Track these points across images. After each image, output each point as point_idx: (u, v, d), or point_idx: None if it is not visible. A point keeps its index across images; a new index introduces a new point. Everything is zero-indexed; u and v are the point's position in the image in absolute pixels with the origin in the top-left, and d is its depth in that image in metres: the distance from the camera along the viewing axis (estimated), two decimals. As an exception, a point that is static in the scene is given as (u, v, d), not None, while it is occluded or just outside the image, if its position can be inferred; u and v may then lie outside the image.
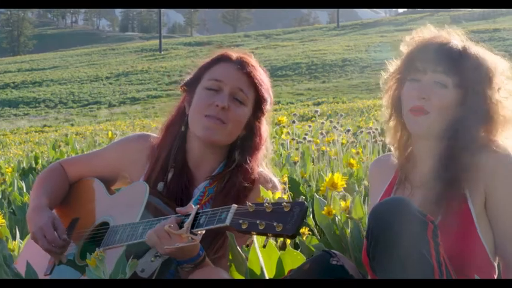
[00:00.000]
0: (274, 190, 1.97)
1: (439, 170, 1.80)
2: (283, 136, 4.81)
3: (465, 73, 1.78)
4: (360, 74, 35.99)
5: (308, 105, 26.71)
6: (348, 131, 5.31)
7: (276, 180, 2.07)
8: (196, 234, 1.69)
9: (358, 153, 4.15)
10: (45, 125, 27.10)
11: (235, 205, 1.63)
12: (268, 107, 2.07)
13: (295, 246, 2.49)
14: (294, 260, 1.86)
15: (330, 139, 4.64)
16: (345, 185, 2.20)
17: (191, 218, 1.70)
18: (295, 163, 3.99)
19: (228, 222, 1.60)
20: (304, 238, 2.37)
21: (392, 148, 1.94)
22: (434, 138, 1.83)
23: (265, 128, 2.08)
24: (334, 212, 2.24)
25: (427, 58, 1.80)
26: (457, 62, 1.79)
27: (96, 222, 2.07)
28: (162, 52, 58.41)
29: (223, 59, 2.06)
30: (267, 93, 2.06)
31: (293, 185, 3.58)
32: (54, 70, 52.34)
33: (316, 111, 6.00)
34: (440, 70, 1.78)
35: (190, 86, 2.07)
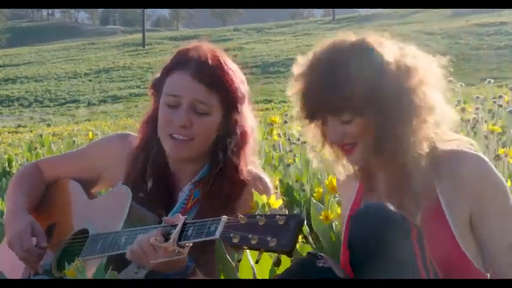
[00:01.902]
0: (267, 191, 1.96)
1: (393, 185, 1.78)
2: (274, 137, 4.80)
3: (365, 92, 1.72)
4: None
5: (302, 104, 26.66)
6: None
7: (267, 179, 2.06)
8: (183, 247, 1.67)
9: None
10: (19, 125, 26.99)
11: (226, 217, 1.60)
12: (244, 103, 2.03)
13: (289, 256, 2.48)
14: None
15: (326, 140, 4.63)
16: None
17: (178, 229, 1.67)
18: (288, 165, 3.99)
19: (217, 235, 1.58)
20: (297, 246, 2.37)
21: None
22: (374, 158, 1.79)
23: (248, 122, 2.04)
24: (331, 217, 2.24)
25: (318, 95, 1.76)
26: (351, 87, 1.71)
27: (74, 229, 2.06)
28: (146, 47, 58.32)
29: (180, 64, 1.99)
30: (237, 91, 2.00)
31: (287, 189, 3.58)
32: (29, 66, 52.15)
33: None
34: (339, 110, 1.73)
35: (157, 90, 2.04)
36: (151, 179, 2.03)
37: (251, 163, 2.06)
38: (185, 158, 2.01)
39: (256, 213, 1.57)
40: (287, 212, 1.92)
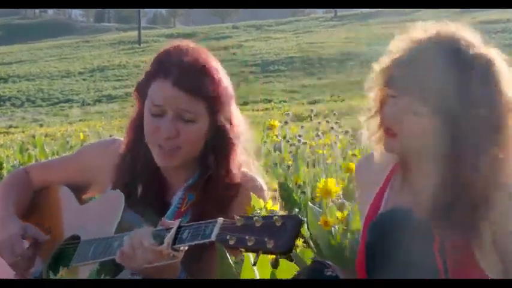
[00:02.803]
0: (261, 193, 1.96)
1: (442, 195, 1.70)
2: (273, 138, 4.82)
3: (449, 100, 1.66)
4: (360, 70, 36.08)
5: (303, 104, 26.74)
6: (347, 132, 5.33)
7: (261, 181, 2.05)
8: (178, 251, 1.66)
9: (354, 155, 4.16)
10: (10, 126, 27.00)
11: (221, 218, 1.60)
12: (231, 104, 2.01)
13: (289, 259, 2.49)
14: (289, 272, 1.85)
15: (327, 141, 4.65)
16: (339, 192, 2.19)
17: (173, 232, 1.66)
18: (288, 167, 4.00)
19: (213, 237, 1.57)
20: (298, 250, 2.37)
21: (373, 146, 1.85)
22: (417, 161, 1.75)
23: (235, 123, 2.02)
24: (331, 222, 2.24)
25: (407, 77, 1.70)
26: (438, 87, 1.66)
27: (66, 235, 2.06)
28: (142, 45, 58.32)
29: (161, 71, 1.95)
30: (223, 93, 1.97)
31: (286, 192, 3.59)
32: (21, 65, 52.14)
33: (312, 111, 6.02)
34: (418, 95, 1.68)
35: (141, 94, 2.03)
36: (142, 184, 2.03)
37: (245, 164, 2.06)
38: (173, 166, 2.00)
39: (253, 214, 1.57)
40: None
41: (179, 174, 2.04)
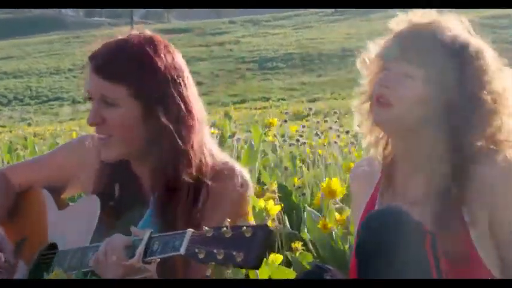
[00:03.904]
0: (244, 186, 1.94)
1: (428, 180, 1.80)
2: (270, 138, 4.82)
3: (445, 69, 1.77)
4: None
5: (302, 102, 26.75)
6: (348, 132, 5.34)
7: (245, 172, 2.02)
8: (150, 263, 1.66)
9: (358, 156, 4.17)
10: (-2, 125, 26.95)
11: (191, 230, 1.59)
12: (175, 89, 1.97)
13: (288, 264, 2.50)
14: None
15: (327, 141, 4.66)
16: (345, 192, 2.20)
17: (143, 244, 1.66)
18: (286, 168, 4.01)
19: (182, 251, 1.57)
20: (297, 254, 2.38)
21: (366, 143, 1.93)
22: (409, 136, 1.82)
23: (189, 108, 1.98)
24: (330, 225, 2.25)
25: (402, 45, 1.81)
26: (434, 51, 1.78)
27: (46, 242, 2.06)
28: (134, 40, 58.06)
29: (90, 57, 2.00)
30: (156, 78, 1.95)
31: (284, 194, 3.59)
32: (8, 61, 52.07)
33: (311, 109, 6.02)
34: (413, 60, 1.78)
35: None
36: (117, 185, 2.04)
37: (212, 156, 2.02)
38: (117, 158, 2.00)
39: (223, 225, 1.55)
40: (280, 217, 1.92)
41: (147, 172, 2.03)
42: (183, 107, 1.97)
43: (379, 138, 1.91)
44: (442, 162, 1.79)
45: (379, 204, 1.90)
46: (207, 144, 2.03)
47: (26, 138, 11.34)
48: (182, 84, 1.99)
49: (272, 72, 38.91)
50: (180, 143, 1.95)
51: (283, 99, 30.32)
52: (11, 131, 21.27)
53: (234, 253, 1.50)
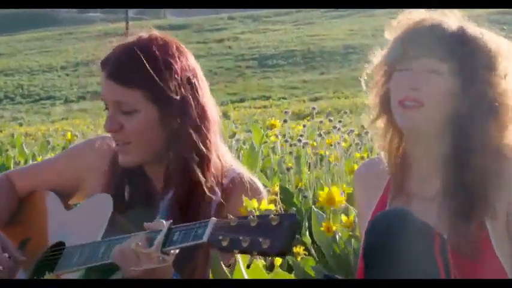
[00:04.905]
0: (258, 197, 1.96)
1: (447, 179, 1.81)
2: (272, 138, 4.83)
3: (463, 58, 1.79)
4: (365, 64, 36.08)
5: (304, 101, 26.81)
6: (351, 131, 5.34)
7: (261, 185, 2.05)
8: (168, 254, 1.68)
9: (363, 157, 4.17)
10: (-12, 125, 26.97)
11: (214, 218, 1.61)
12: (187, 89, 1.99)
13: (289, 269, 2.49)
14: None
15: (330, 141, 4.66)
16: (344, 202, 2.20)
17: (162, 234, 1.68)
18: (288, 170, 4.01)
19: (205, 238, 1.59)
20: (298, 259, 2.38)
21: (382, 154, 1.94)
22: (433, 137, 1.84)
23: (203, 106, 2.00)
24: (334, 228, 2.25)
25: (417, 42, 1.81)
26: (453, 46, 1.80)
27: (50, 243, 2.06)
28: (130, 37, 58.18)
29: (102, 63, 2.04)
30: (171, 79, 1.97)
31: (286, 196, 3.59)
32: (-1, 58, 52.15)
33: (314, 108, 6.02)
34: (434, 55, 1.79)
35: None
36: (127, 187, 2.05)
37: (224, 156, 2.05)
38: (135, 164, 2.02)
39: (249, 214, 1.58)
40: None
41: (161, 174, 2.05)
42: (199, 108, 1.99)
43: (398, 147, 1.91)
44: (461, 162, 1.80)
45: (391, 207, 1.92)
46: (222, 147, 2.06)
47: (13, 135, 11.37)
48: (197, 85, 2.01)
49: (272, 70, 38.96)
50: (200, 145, 1.97)
51: (284, 98, 30.37)
52: (1, 131, 21.29)
53: (261, 239, 1.51)
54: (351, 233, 2.23)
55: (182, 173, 1.97)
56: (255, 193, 1.99)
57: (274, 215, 1.54)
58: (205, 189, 1.97)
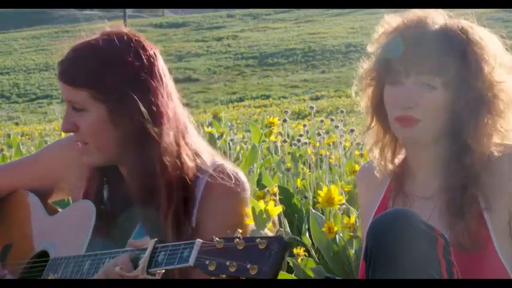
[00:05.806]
0: (239, 187, 1.95)
1: (448, 178, 1.84)
2: (272, 137, 4.82)
3: (454, 69, 1.80)
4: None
5: (304, 100, 26.76)
6: (352, 131, 5.34)
7: (240, 173, 2.02)
8: (154, 275, 1.67)
9: (362, 155, 4.17)
10: (-17, 124, 26.93)
11: (200, 240, 1.60)
12: (141, 88, 1.96)
13: (289, 270, 2.51)
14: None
15: (331, 141, 4.66)
16: (343, 201, 2.20)
17: (147, 255, 1.67)
18: (288, 170, 4.01)
19: (191, 262, 1.58)
20: (299, 260, 2.39)
21: (376, 156, 1.95)
22: (431, 143, 1.87)
23: (157, 104, 1.97)
24: (335, 229, 2.25)
25: (406, 56, 1.81)
26: (443, 54, 1.80)
27: (34, 250, 2.06)
28: (127, 35, 58.02)
29: (57, 64, 2.07)
30: (117, 79, 1.95)
31: (286, 197, 3.59)
32: (-5, 57, 52.08)
33: (312, 108, 6.02)
34: (426, 70, 1.80)
35: None
36: (106, 188, 2.05)
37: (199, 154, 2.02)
38: (98, 164, 2.02)
39: (235, 235, 1.56)
40: (281, 224, 1.92)
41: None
42: (153, 107, 1.96)
43: (394, 151, 1.94)
44: (460, 163, 1.82)
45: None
46: (191, 145, 2.02)
47: (9, 135, 11.33)
48: (151, 82, 1.97)
49: (273, 68, 38.89)
50: (150, 145, 1.95)
51: (284, 97, 30.32)
52: (-3, 131, 21.27)
53: (248, 266, 1.50)
54: (351, 233, 2.23)
55: (140, 175, 1.96)
56: (238, 182, 1.97)
57: (261, 239, 1.52)
58: (168, 190, 1.94)
